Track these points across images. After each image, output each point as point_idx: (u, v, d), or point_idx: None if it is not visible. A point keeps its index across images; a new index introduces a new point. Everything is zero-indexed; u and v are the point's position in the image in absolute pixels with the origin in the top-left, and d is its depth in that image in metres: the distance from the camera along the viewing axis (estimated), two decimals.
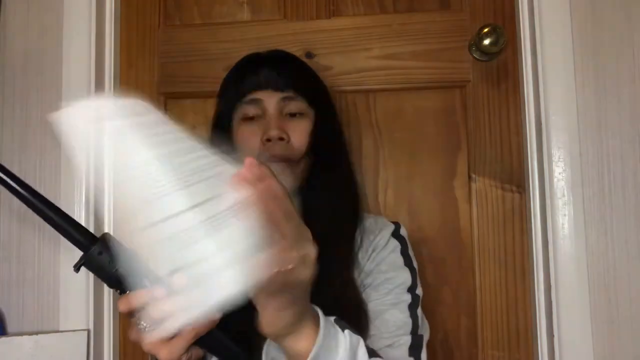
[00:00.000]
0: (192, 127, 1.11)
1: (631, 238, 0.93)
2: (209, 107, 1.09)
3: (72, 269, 0.55)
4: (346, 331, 0.57)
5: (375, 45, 1.07)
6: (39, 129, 1.07)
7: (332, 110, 0.87)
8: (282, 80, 0.79)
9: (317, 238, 0.75)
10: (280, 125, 0.77)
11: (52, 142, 1.06)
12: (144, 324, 0.53)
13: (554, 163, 0.95)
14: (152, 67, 1.12)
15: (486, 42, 0.95)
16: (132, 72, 1.13)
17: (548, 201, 0.95)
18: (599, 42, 0.97)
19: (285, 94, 0.79)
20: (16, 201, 0.54)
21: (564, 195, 0.94)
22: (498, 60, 1.04)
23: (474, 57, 1.04)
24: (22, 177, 0.55)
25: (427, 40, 1.06)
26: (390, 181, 1.05)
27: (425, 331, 0.75)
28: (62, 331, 1.00)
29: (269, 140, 0.76)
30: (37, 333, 0.97)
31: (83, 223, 1.02)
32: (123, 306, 0.54)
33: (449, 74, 1.05)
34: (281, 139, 0.76)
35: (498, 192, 1.03)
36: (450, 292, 1.02)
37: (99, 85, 1.08)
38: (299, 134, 0.78)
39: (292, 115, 0.80)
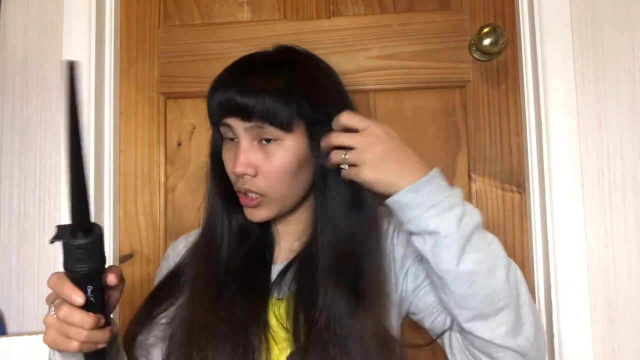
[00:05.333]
0: (192, 127, 1.11)
1: (631, 238, 0.93)
2: None
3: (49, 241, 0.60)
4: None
5: (375, 45, 1.07)
6: (39, 129, 1.07)
7: (326, 122, 0.73)
8: (245, 108, 0.70)
9: (338, 247, 0.74)
10: (246, 160, 0.71)
11: (52, 142, 1.06)
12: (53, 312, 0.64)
13: (554, 163, 0.95)
14: (152, 67, 1.12)
15: (486, 42, 0.95)
16: (132, 72, 1.13)
17: (548, 201, 0.95)
18: (599, 42, 0.97)
19: (251, 124, 0.70)
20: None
21: (564, 195, 0.94)
22: (498, 60, 1.04)
23: (474, 57, 1.04)
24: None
25: (427, 40, 1.06)
26: None
27: None
28: None
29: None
30: (37, 333, 0.97)
31: None
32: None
33: (449, 74, 1.05)
34: (246, 174, 0.72)
35: (498, 192, 1.03)
36: None
37: (99, 85, 1.08)
38: (269, 165, 0.71)
39: (268, 140, 0.72)
